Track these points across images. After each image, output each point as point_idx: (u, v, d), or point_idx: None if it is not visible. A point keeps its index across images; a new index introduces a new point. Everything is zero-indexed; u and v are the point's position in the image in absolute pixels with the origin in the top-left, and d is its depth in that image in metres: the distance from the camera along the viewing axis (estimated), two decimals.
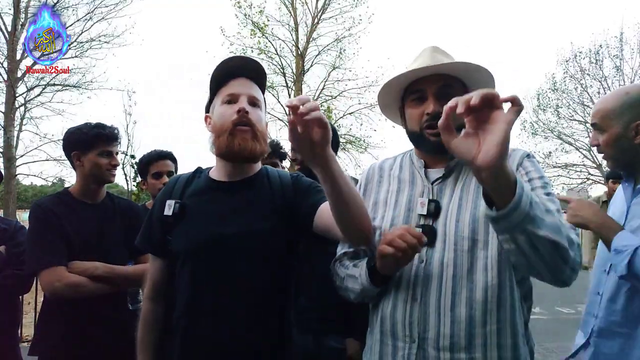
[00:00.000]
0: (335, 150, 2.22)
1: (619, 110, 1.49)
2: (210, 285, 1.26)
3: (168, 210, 1.33)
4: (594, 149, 1.61)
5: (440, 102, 1.17)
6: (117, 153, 2.01)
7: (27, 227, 2.21)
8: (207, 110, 1.39)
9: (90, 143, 1.92)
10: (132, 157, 6.99)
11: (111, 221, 1.94)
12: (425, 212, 1.19)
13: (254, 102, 1.30)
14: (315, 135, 0.96)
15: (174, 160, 2.65)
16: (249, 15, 16.31)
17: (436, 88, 1.19)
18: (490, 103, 0.79)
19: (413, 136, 1.27)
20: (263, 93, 1.38)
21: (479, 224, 1.13)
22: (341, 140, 17.85)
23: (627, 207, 1.50)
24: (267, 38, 16.59)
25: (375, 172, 1.38)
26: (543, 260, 0.93)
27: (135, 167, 6.91)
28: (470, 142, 0.83)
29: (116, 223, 1.94)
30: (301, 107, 0.92)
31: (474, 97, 0.78)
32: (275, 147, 2.44)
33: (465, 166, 1.21)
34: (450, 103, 0.82)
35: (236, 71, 1.32)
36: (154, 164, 2.57)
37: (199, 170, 1.45)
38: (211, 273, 1.26)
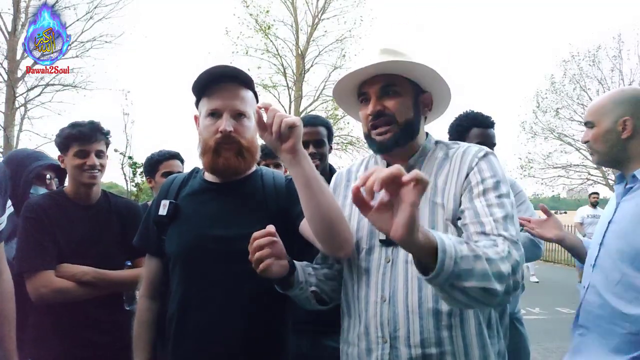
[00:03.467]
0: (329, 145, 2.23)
1: (611, 105, 1.54)
2: (201, 287, 1.26)
3: (162, 210, 1.34)
4: (585, 145, 1.65)
5: (380, 101, 1.22)
6: (99, 151, 1.87)
7: None
8: (197, 107, 1.38)
9: (65, 144, 1.85)
10: (130, 158, 6.96)
11: (106, 222, 1.89)
12: None
13: (238, 114, 1.29)
14: (284, 132, 1.06)
15: (182, 162, 2.65)
16: (254, 15, 16.29)
17: (377, 89, 1.23)
18: (395, 182, 0.80)
19: (365, 137, 1.31)
20: (252, 90, 1.36)
21: (437, 219, 1.16)
22: (342, 141, 18.02)
23: (617, 204, 1.54)
24: (269, 38, 16.58)
25: (342, 177, 1.42)
26: (475, 301, 0.97)
27: (133, 167, 6.93)
28: (385, 215, 0.84)
29: (112, 224, 1.89)
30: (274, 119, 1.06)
31: (376, 182, 0.79)
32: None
33: (424, 163, 1.25)
34: (358, 182, 0.83)
35: (217, 77, 1.30)
36: (165, 162, 2.56)
37: (195, 170, 1.45)
38: (201, 275, 1.26)
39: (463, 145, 1.26)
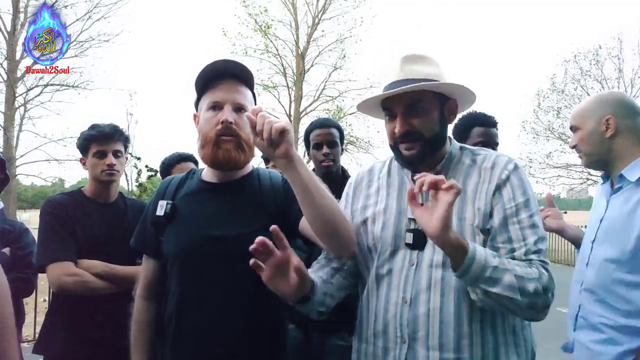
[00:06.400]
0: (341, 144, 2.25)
1: (593, 107, 1.60)
2: (199, 287, 1.26)
3: (160, 211, 1.34)
4: (573, 150, 1.69)
5: (406, 119, 1.22)
6: (117, 151, 1.96)
7: (30, 230, 2.21)
8: (196, 107, 1.39)
9: (85, 146, 1.94)
10: (138, 159, 6.93)
11: (121, 222, 1.94)
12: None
13: (239, 108, 1.30)
14: (275, 138, 1.04)
15: (196, 163, 2.65)
16: (253, 15, 16.29)
17: (403, 107, 1.21)
18: (436, 186, 1.01)
19: (391, 148, 1.31)
20: (252, 90, 1.38)
21: (465, 227, 1.17)
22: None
23: (607, 202, 1.58)
24: (268, 38, 16.59)
25: (364, 176, 1.41)
26: (504, 306, 1.09)
27: (138, 167, 6.93)
28: (427, 214, 1.03)
29: (126, 224, 1.92)
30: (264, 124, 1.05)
31: (422, 184, 1.02)
32: None
33: (450, 169, 1.27)
34: (415, 189, 1.05)
35: (221, 73, 1.31)
36: (176, 165, 2.57)
37: (192, 171, 1.46)
38: (199, 275, 1.26)
39: (490, 153, 1.27)
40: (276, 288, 1.09)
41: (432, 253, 1.18)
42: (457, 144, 1.32)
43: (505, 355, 1.17)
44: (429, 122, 1.22)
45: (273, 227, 1.05)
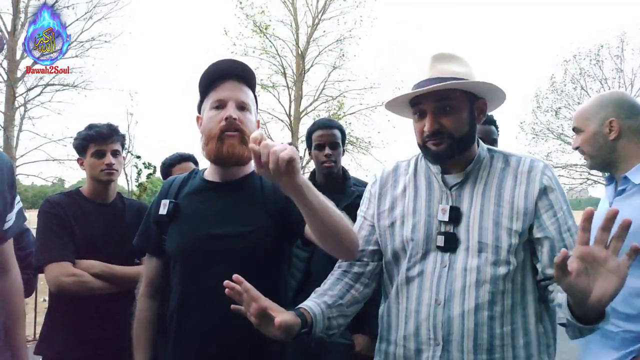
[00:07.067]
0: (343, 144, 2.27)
1: (594, 109, 1.59)
2: (201, 286, 1.26)
3: (163, 210, 1.35)
4: (577, 152, 1.69)
5: (436, 118, 1.21)
6: (115, 151, 1.96)
7: (30, 230, 2.20)
8: (199, 110, 1.40)
9: (83, 146, 1.94)
10: (138, 157, 6.94)
11: (119, 222, 1.94)
12: (446, 219, 1.22)
13: (242, 106, 1.31)
14: (282, 168, 0.96)
15: (196, 163, 2.66)
16: (250, 16, 16.30)
17: (433, 105, 1.21)
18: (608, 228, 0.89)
19: (419, 147, 1.30)
20: (253, 92, 1.39)
21: (501, 231, 1.18)
22: None
23: (610, 204, 1.58)
24: (267, 38, 16.59)
25: (389, 176, 1.39)
26: None
27: (138, 167, 6.94)
28: (583, 281, 0.89)
29: (125, 224, 1.93)
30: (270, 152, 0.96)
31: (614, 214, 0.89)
32: None
33: (480, 171, 1.26)
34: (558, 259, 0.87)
35: (224, 74, 1.33)
36: (177, 166, 2.59)
37: (194, 171, 1.47)
38: (200, 273, 1.27)
39: (524, 157, 1.27)
40: (266, 332, 1.09)
41: (466, 256, 1.19)
42: (484, 146, 1.32)
43: (538, 356, 1.18)
44: (459, 122, 1.21)
45: (235, 276, 1.06)
